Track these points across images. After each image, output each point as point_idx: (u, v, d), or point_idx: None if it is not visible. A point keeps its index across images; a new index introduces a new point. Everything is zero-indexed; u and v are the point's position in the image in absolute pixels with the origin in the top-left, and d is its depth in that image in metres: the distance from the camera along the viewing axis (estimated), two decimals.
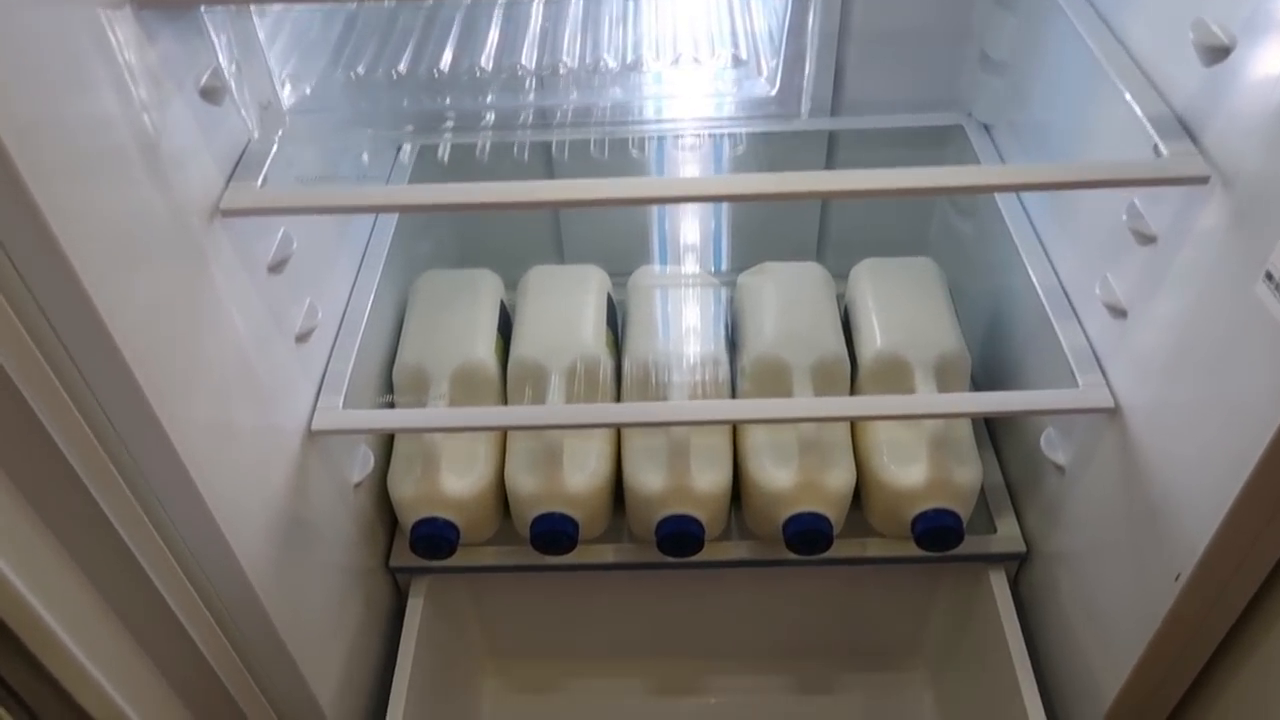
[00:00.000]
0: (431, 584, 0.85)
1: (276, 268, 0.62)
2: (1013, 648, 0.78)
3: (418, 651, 0.81)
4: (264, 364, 0.60)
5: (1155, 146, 0.56)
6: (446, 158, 0.75)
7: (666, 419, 0.68)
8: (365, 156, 0.77)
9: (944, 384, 0.78)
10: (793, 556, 0.78)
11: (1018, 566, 0.84)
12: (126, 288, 0.47)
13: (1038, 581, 0.81)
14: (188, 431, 0.51)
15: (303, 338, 0.66)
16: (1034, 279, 0.75)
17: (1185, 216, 0.57)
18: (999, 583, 0.82)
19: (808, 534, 0.75)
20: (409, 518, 0.78)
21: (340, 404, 0.68)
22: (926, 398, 0.74)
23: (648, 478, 0.77)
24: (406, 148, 0.84)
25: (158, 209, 0.51)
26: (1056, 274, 0.75)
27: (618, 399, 0.84)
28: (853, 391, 0.83)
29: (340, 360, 0.71)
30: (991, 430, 0.90)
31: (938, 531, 0.75)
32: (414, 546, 0.77)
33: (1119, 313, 0.65)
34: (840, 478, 0.77)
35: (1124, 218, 0.63)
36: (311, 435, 0.66)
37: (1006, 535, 0.83)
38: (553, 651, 0.96)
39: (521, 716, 0.95)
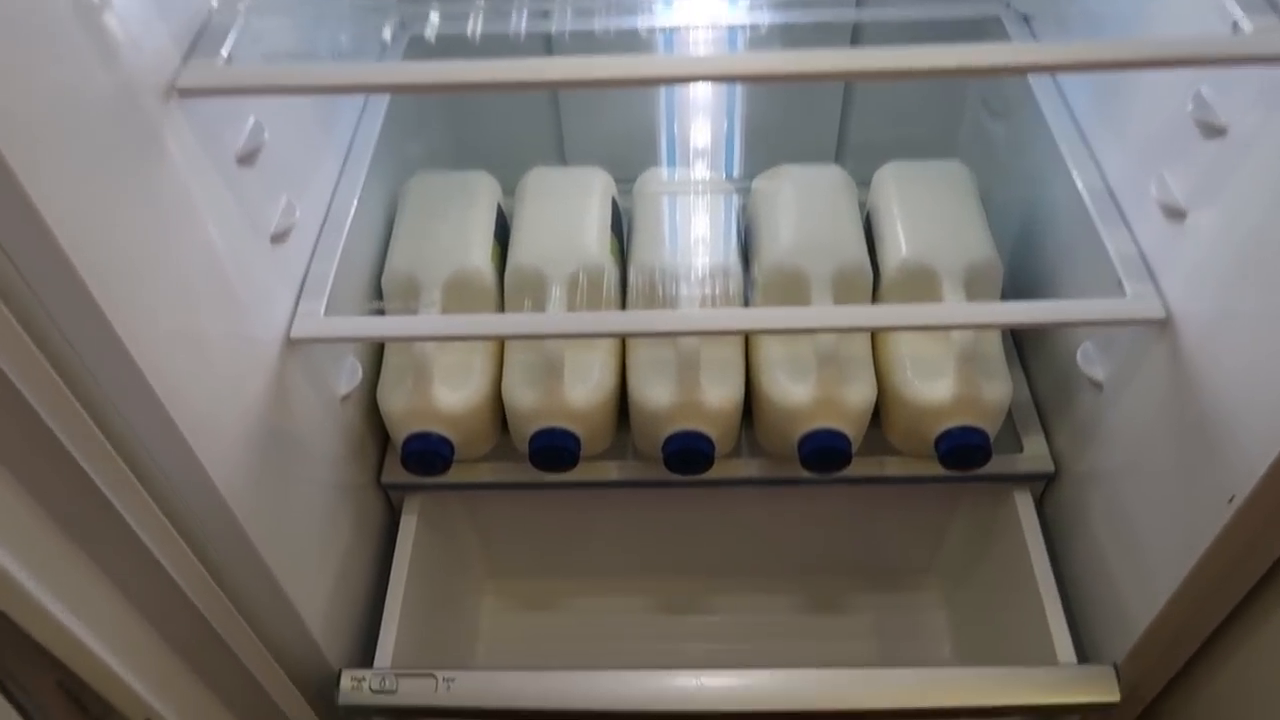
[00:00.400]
0: (425, 501, 0.81)
1: (247, 159, 0.57)
2: (1038, 572, 0.74)
3: (412, 571, 0.77)
4: (235, 265, 0.55)
5: (1234, 23, 0.50)
6: (434, 37, 0.69)
7: (675, 329, 0.63)
8: (344, 37, 0.70)
9: (974, 295, 0.73)
10: (807, 475, 0.74)
11: (1043, 487, 0.80)
12: (67, 174, 0.41)
13: (1065, 503, 0.77)
14: (147, 338, 0.46)
15: (279, 238, 0.61)
16: (1077, 180, 0.69)
17: (1264, 103, 0.51)
18: (1024, 504, 0.78)
19: (824, 452, 0.71)
20: (400, 432, 0.73)
21: (322, 310, 0.63)
22: (960, 307, 0.68)
23: (654, 391, 0.72)
24: (388, 33, 0.77)
25: (103, 87, 0.45)
26: (1103, 175, 0.69)
27: (624, 307, 0.78)
28: (874, 304, 0.77)
29: (322, 264, 0.65)
30: (1019, 344, 0.85)
31: (964, 450, 0.71)
32: (406, 462, 0.73)
33: (1176, 214, 0.59)
34: (860, 393, 0.73)
35: (1189, 108, 0.57)
36: (291, 344, 0.61)
37: (1034, 454, 0.78)
38: (554, 569, 0.93)
39: (521, 635, 0.92)
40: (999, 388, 0.72)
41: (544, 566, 0.93)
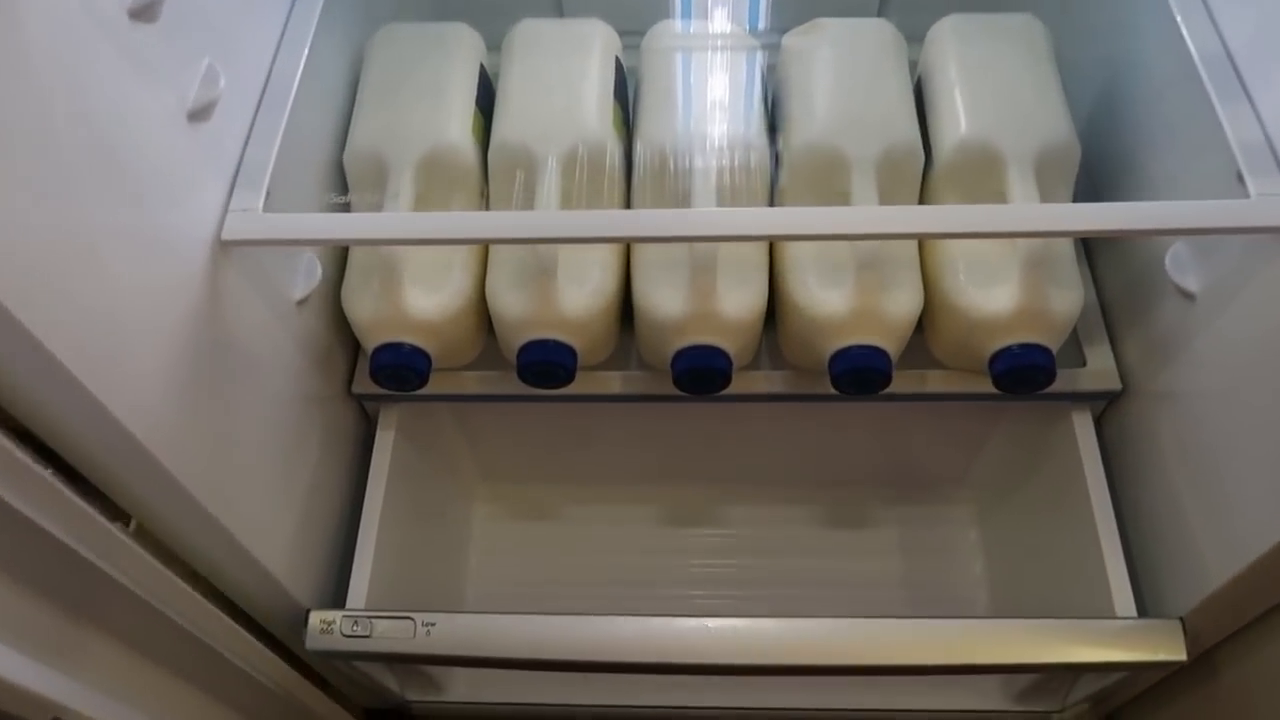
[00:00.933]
0: (404, 411, 0.72)
1: (143, 12, 0.44)
2: (1095, 504, 0.65)
3: (390, 491, 0.69)
4: (134, 150, 0.44)
5: None
6: None
7: (689, 234, 0.52)
8: None
9: (1045, 183, 0.61)
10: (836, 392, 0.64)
11: (1103, 406, 0.70)
12: None
13: (1131, 428, 0.67)
14: None
15: (200, 115, 0.49)
16: (1188, 40, 0.56)
17: None
18: (1083, 425, 0.68)
19: (860, 373, 0.61)
20: (369, 341, 0.64)
21: (260, 205, 0.51)
22: (1041, 211, 0.56)
23: (663, 297, 0.62)
24: None
25: None
26: (1221, 35, 0.56)
27: (627, 193, 0.67)
28: (925, 190, 0.65)
29: (260, 146, 0.53)
30: (1087, 238, 0.74)
31: (1024, 371, 0.61)
32: (375, 377, 0.63)
33: None
34: (904, 302, 0.62)
35: None
36: (224, 246, 0.51)
37: (1098, 369, 0.68)
38: (552, 476, 0.86)
39: (516, 546, 0.85)
40: (1069, 297, 0.61)
41: (541, 473, 0.85)
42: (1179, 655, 0.57)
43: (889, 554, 0.85)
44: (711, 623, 0.59)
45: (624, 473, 0.85)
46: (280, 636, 0.64)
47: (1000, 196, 0.61)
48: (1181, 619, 0.59)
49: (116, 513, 0.47)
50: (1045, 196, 0.60)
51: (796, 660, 0.58)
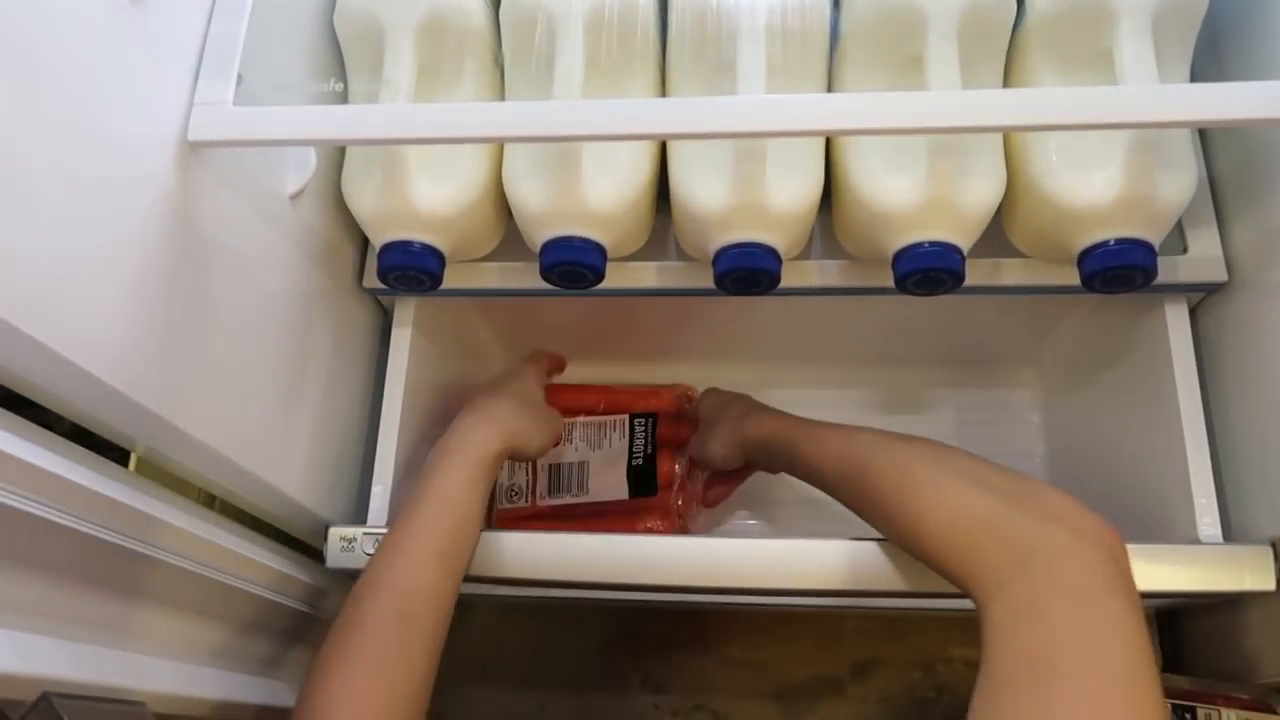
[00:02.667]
0: (423, 304, 0.66)
1: None
2: (1184, 407, 0.59)
3: (410, 389, 0.64)
4: (56, 37, 0.36)
5: None
6: None
7: (731, 129, 0.43)
8: None
9: (1162, 41, 0.51)
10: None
11: (1200, 298, 0.62)
12: None
13: (1231, 326, 0.59)
14: None
15: None
16: None
17: None
18: (1177, 319, 0.61)
19: (930, 274, 0.53)
20: (375, 237, 0.57)
21: (230, 96, 0.44)
22: (1189, 94, 0.45)
23: (703, 189, 0.54)
24: None
25: None
26: None
27: (662, 56, 0.58)
28: (1014, 49, 0.55)
29: (227, 22, 0.45)
30: None
31: (1119, 271, 0.52)
32: (383, 278, 0.57)
33: None
34: (983, 191, 0.53)
35: None
36: (193, 147, 0.44)
37: (1202, 257, 0.59)
38: (589, 357, 0.80)
39: None
40: (1180, 183, 0.52)
41: (577, 355, 0.80)
42: (1268, 585, 0.52)
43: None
44: (738, 544, 0.55)
45: (666, 353, 0.81)
46: (313, 545, 0.61)
47: (1104, 57, 0.51)
48: (1273, 544, 0.53)
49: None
50: (1161, 57, 0.50)
51: (826, 585, 0.54)
